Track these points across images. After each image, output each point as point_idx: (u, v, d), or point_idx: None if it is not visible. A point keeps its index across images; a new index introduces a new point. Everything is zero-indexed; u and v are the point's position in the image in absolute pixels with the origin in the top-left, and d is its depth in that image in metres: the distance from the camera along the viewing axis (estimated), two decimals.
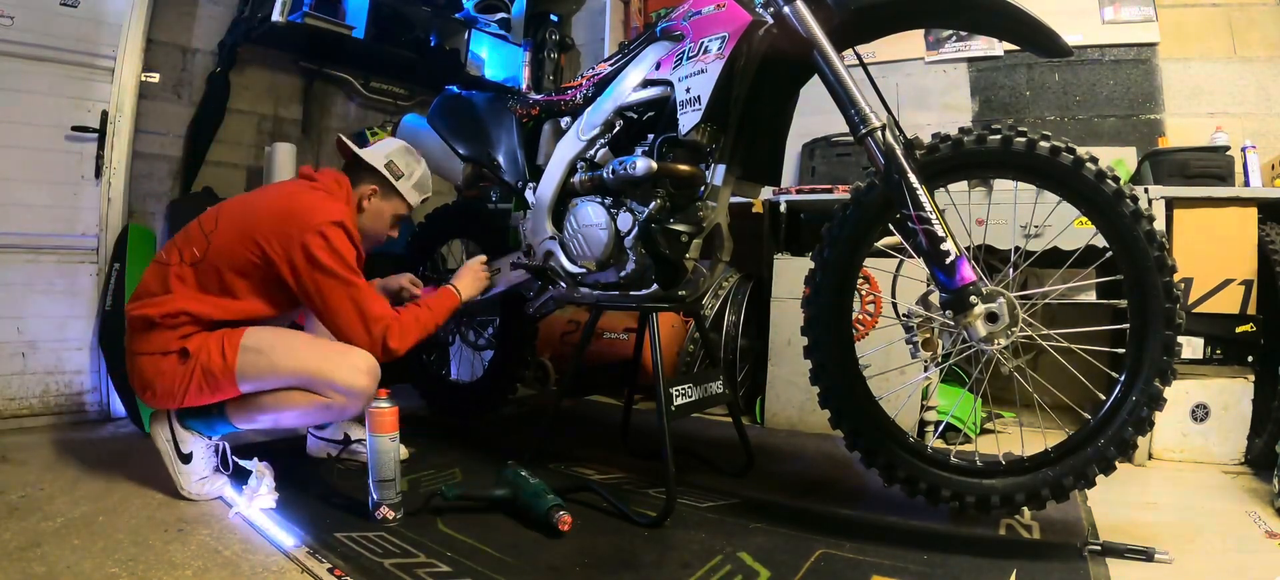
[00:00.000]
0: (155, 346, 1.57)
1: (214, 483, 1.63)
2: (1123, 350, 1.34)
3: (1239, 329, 2.08)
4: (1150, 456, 2.05)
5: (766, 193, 2.58)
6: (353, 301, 1.62)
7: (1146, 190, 2.10)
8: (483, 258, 2.00)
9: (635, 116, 1.71)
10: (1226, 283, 2.08)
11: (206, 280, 1.61)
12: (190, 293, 1.60)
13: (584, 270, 1.78)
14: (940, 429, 2.06)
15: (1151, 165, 2.29)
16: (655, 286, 1.67)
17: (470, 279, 1.94)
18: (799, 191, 2.66)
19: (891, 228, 1.48)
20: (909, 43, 3.02)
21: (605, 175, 1.67)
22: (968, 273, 1.28)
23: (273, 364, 1.57)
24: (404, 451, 1.75)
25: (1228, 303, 2.07)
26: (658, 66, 1.66)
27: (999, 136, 1.37)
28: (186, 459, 1.61)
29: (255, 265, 1.61)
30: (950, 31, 2.96)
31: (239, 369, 1.56)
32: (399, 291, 2.00)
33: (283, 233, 1.59)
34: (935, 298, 1.38)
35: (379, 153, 1.87)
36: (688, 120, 1.53)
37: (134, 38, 2.39)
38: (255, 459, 1.60)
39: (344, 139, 1.89)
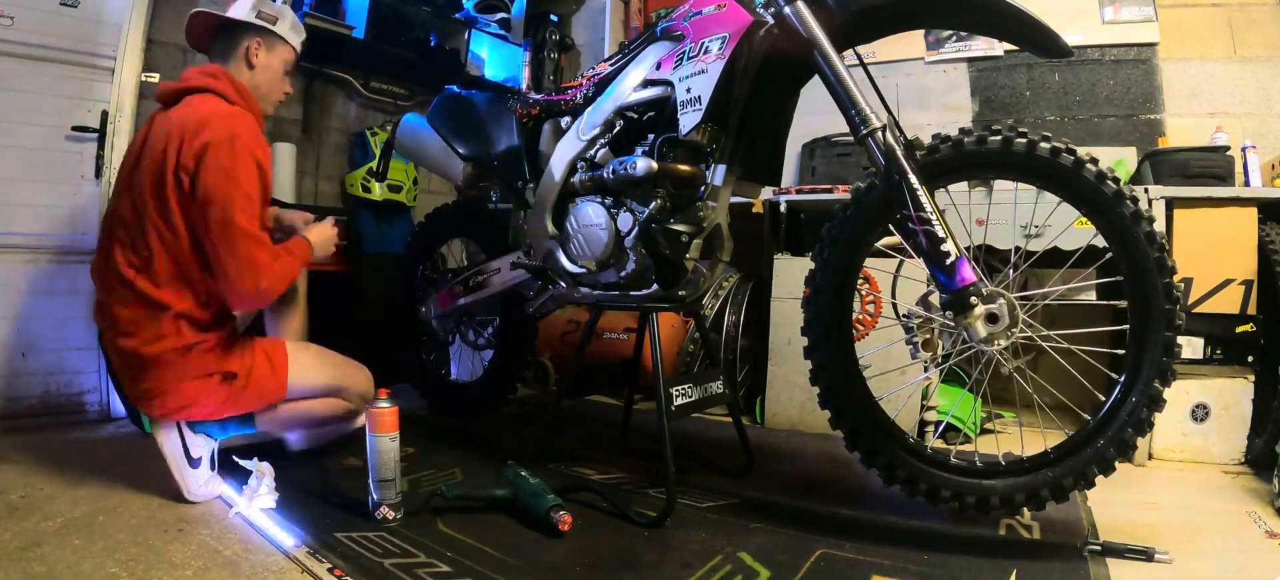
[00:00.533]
0: (196, 371, 1.57)
1: (216, 484, 1.63)
2: (1122, 351, 1.34)
3: (1239, 329, 2.08)
4: (1150, 457, 2.05)
5: (766, 193, 2.58)
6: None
7: (1146, 190, 2.10)
8: (333, 220, 1.93)
9: (635, 116, 1.71)
10: (1226, 283, 2.08)
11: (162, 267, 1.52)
12: (173, 292, 1.53)
13: (584, 270, 1.78)
14: (940, 429, 2.06)
15: (1151, 165, 2.29)
16: (655, 286, 1.67)
17: (319, 233, 1.84)
18: (799, 191, 2.66)
19: (892, 228, 1.48)
20: (909, 43, 3.02)
21: (605, 175, 1.66)
22: (968, 273, 1.28)
23: (316, 378, 1.78)
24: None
25: (1228, 303, 2.07)
26: (658, 66, 1.66)
27: (999, 137, 1.37)
28: (195, 464, 1.62)
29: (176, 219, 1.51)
30: (950, 31, 2.96)
31: (290, 381, 1.72)
32: (290, 227, 1.91)
33: (179, 151, 1.48)
34: (935, 298, 1.38)
35: (245, 6, 1.70)
36: (688, 120, 1.53)
37: (134, 38, 2.39)
38: (255, 459, 1.60)
39: (202, 10, 1.70)
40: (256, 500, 1.52)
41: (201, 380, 1.58)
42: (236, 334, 1.70)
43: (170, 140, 1.50)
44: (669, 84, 1.61)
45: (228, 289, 1.53)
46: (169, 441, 1.61)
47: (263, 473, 1.57)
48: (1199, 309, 2.08)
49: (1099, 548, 1.33)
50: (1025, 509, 1.37)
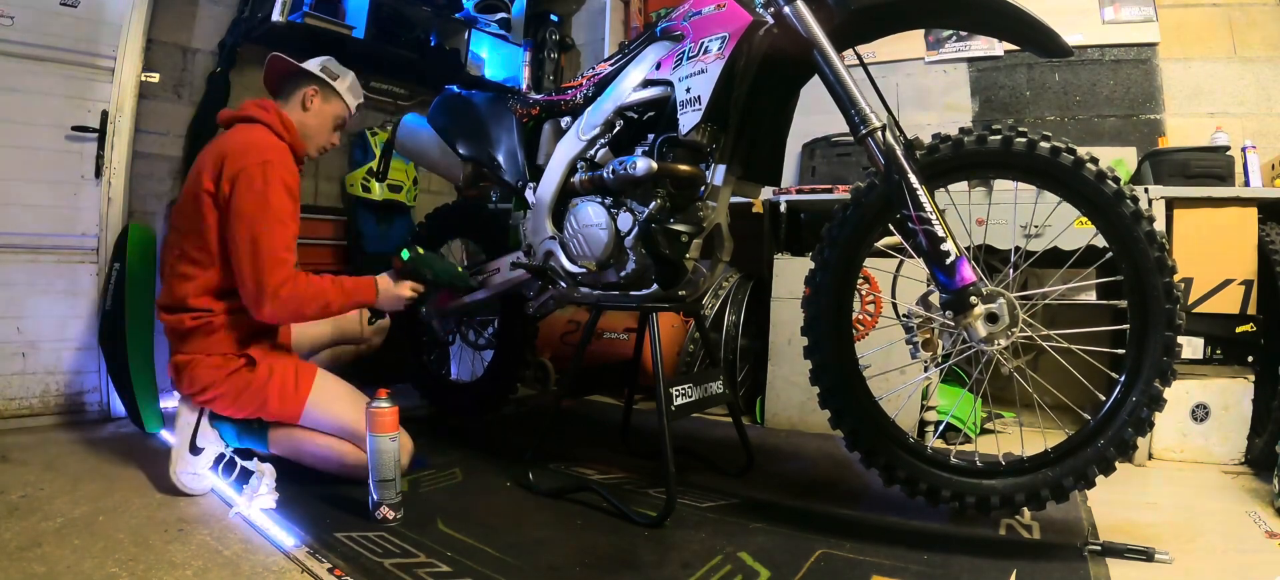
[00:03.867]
0: (217, 346, 1.64)
1: (204, 479, 1.64)
2: (1123, 351, 1.34)
3: (1239, 329, 2.08)
4: (1150, 456, 2.05)
5: (766, 193, 2.58)
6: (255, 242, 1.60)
7: (1146, 190, 2.10)
8: (410, 286, 1.88)
9: (635, 116, 1.71)
10: (1226, 283, 2.07)
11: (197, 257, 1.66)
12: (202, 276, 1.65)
13: (584, 270, 1.78)
14: (940, 429, 2.06)
15: (1152, 165, 2.29)
16: (655, 286, 1.67)
17: (390, 292, 1.84)
18: (799, 191, 2.66)
19: (892, 228, 1.48)
20: (909, 43, 3.02)
21: (605, 175, 1.67)
22: (968, 273, 1.28)
23: (339, 412, 1.68)
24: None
25: (1228, 303, 2.07)
26: (658, 66, 1.66)
27: (999, 137, 1.37)
28: (196, 452, 1.64)
29: (208, 222, 1.62)
30: (950, 31, 2.96)
31: (310, 404, 1.66)
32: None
33: (221, 170, 1.61)
34: (935, 298, 1.38)
35: (313, 62, 1.89)
36: (688, 120, 1.53)
37: (134, 38, 2.39)
38: (255, 459, 1.60)
39: (278, 55, 1.84)
40: (256, 500, 1.52)
41: (222, 358, 1.64)
42: (266, 331, 1.74)
43: (216, 159, 1.64)
44: (669, 84, 1.61)
45: (247, 299, 1.62)
46: (183, 417, 1.66)
47: (263, 473, 1.57)
48: (1199, 309, 2.08)
49: (1099, 548, 1.34)
50: (1025, 509, 1.37)
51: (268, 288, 1.58)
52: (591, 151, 1.77)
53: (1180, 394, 1.99)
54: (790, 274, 2.46)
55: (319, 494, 1.64)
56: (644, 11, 3.60)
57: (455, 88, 2.30)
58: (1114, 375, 1.37)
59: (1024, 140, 1.35)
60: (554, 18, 3.49)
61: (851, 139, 1.38)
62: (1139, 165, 2.46)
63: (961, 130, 1.43)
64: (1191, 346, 2.10)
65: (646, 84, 1.68)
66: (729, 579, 1.25)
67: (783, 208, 2.64)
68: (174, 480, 1.62)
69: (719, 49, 1.49)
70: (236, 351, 1.66)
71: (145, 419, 2.17)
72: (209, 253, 1.64)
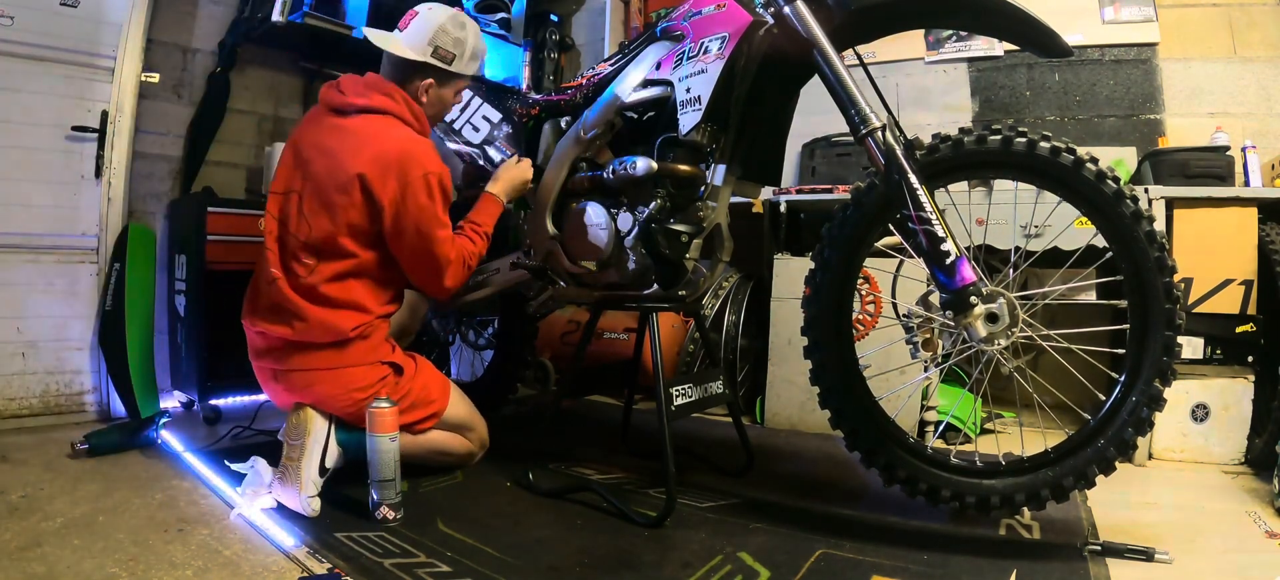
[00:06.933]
0: (363, 357, 1.62)
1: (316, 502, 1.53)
2: (1123, 351, 1.34)
3: (1239, 329, 2.08)
4: (1150, 456, 2.05)
5: (766, 193, 2.58)
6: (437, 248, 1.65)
7: (1146, 190, 2.10)
8: (517, 158, 1.91)
9: (635, 116, 1.72)
10: (1226, 283, 2.07)
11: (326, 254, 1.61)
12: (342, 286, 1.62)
13: (584, 270, 1.77)
14: (940, 429, 2.05)
15: (1151, 165, 2.29)
16: (655, 286, 1.67)
17: (513, 183, 1.86)
18: (799, 191, 2.66)
19: (892, 228, 1.48)
20: (909, 43, 3.02)
21: (606, 175, 1.67)
22: (968, 273, 1.28)
23: (459, 407, 1.79)
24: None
25: (1228, 303, 2.07)
26: (658, 66, 1.66)
27: (999, 137, 1.37)
28: (324, 473, 1.56)
29: (356, 212, 1.59)
30: (950, 31, 2.95)
31: (450, 407, 1.75)
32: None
33: (389, 175, 1.58)
34: (935, 298, 1.38)
35: (422, 41, 1.68)
36: (688, 120, 1.53)
37: (134, 38, 2.39)
38: (253, 458, 1.60)
39: (374, 38, 1.69)
40: (256, 500, 1.52)
41: (369, 368, 1.63)
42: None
43: (361, 161, 1.57)
44: (669, 84, 1.61)
45: (422, 282, 1.71)
46: (317, 434, 1.57)
47: (263, 473, 1.57)
48: (1199, 309, 2.08)
49: (1099, 548, 1.33)
50: (1025, 509, 1.37)
51: (443, 261, 1.66)
52: (591, 151, 1.77)
53: (1180, 394, 1.99)
54: (790, 274, 2.46)
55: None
56: (644, 11, 3.60)
57: None
58: (1114, 375, 1.37)
59: (1024, 140, 1.35)
60: (554, 18, 3.49)
61: (851, 139, 1.38)
62: (1139, 165, 2.46)
63: (961, 130, 1.43)
64: (1191, 346, 2.10)
65: (646, 84, 1.68)
66: (729, 579, 1.25)
67: (783, 208, 2.64)
68: (300, 507, 1.48)
69: (719, 49, 1.49)
70: (388, 353, 1.67)
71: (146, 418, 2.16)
72: (361, 250, 1.61)
